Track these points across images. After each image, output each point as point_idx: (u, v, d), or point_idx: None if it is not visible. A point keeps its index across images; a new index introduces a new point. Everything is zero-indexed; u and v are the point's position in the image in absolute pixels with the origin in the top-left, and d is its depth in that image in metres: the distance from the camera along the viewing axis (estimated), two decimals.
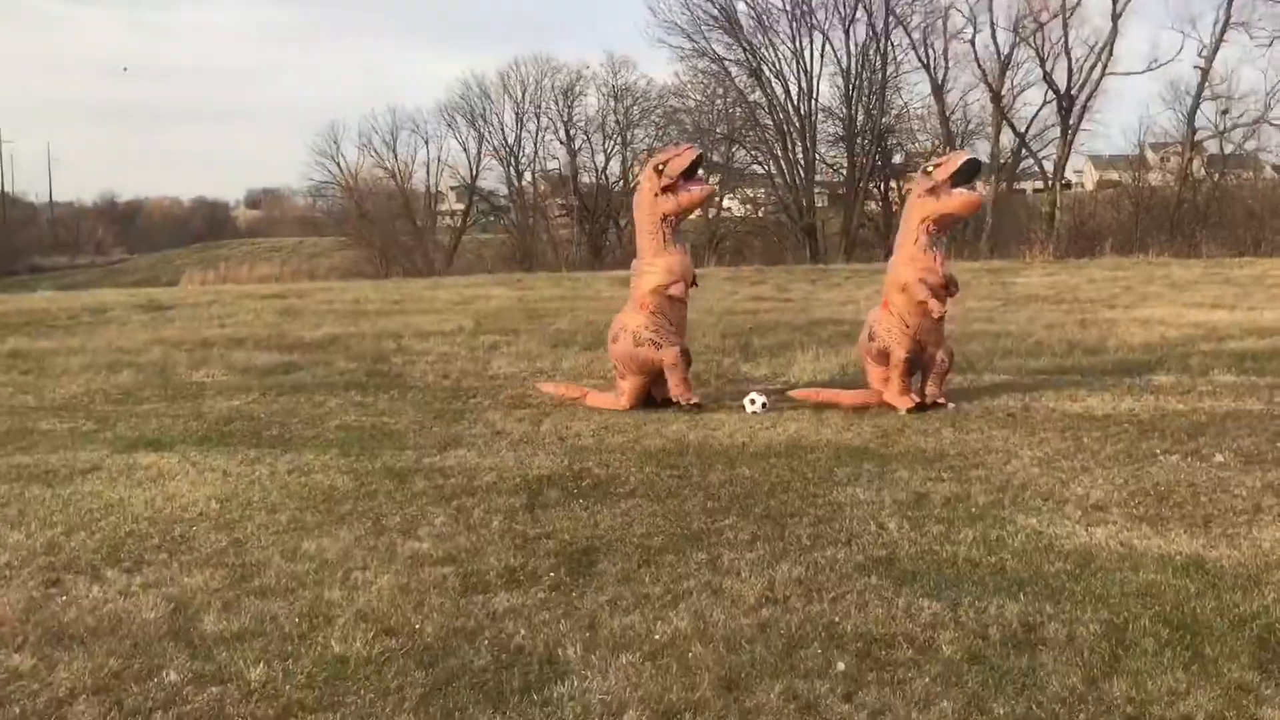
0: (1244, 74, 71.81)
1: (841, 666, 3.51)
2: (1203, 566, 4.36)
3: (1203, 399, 7.88)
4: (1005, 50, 38.83)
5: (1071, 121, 38.51)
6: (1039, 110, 39.37)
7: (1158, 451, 6.33)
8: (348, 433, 7.23)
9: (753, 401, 7.64)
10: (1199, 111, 37.64)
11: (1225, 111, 38.12)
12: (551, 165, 45.00)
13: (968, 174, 7.49)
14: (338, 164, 47.16)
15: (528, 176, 44.81)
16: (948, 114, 39.10)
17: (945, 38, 38.78)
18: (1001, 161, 39.34)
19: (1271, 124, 37.49)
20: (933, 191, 7.39)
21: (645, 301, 7.67)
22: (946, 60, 39.11)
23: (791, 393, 8.19)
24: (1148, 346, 10.23)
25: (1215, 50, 37.45)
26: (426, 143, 47.25)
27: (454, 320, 13.16)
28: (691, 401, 7.67)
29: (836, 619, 3.92)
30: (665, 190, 7.52)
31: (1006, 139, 39.54)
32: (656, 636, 3.80)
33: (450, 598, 4.20)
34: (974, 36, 38.16)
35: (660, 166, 7.57)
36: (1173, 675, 3.37)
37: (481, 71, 62.56)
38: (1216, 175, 37.35)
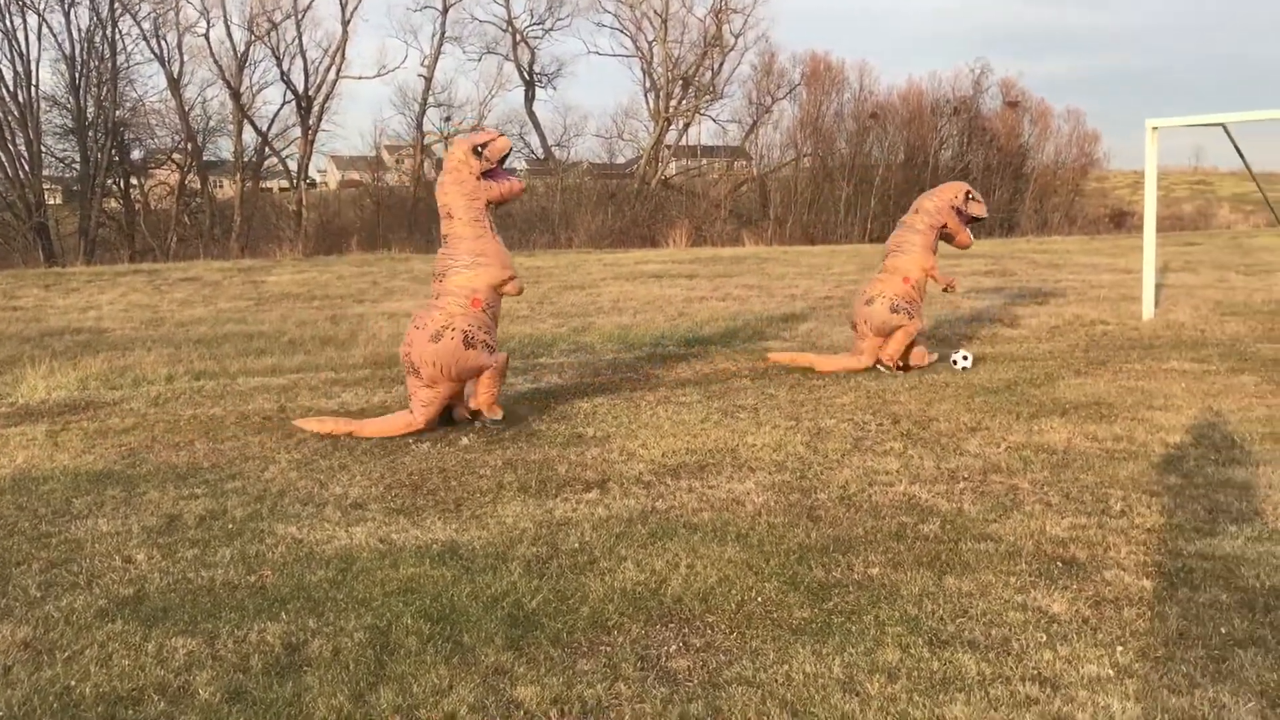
0: (461, 84, 79.25)
1: None
2: (457, 552, 4.51)
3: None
4: (241, 47, 38.37)
5: (311, 121, 39.28)
6: (279, 109, 39.64)
7: (410, 441, 6.53)
8: None
9: (965, 358, 8.75)
10: (426, 117, 40.65)
11: (448, 118, 41.67)
12: None
13: (979, 220, 9.07)
14: None
15: None
16: (187, 109, 37.61)
17: (179, 30, 37.23)
18: (245, 159, 38.84)
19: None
20: (959, 213, 8.91)
21: (478, 298, 6.74)
22: (182, 54, 37.58)
23: (771, 355, 9.36)
24: (395, 338, 10.63)
25: (435, 61, 40.68)
26: None
27: None
28: (498, 416, 6.91)
29: (73, 682, 3.36)
30: (484, 175, 6.83)
31: (249, 137, 39.16)
32: None
33: None
34: (208, 31, 37.23)
35: (480, 149, 6.79)
36: (436, 672, 3.39)
37: None
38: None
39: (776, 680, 3.33)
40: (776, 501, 5.18)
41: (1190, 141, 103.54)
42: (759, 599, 3.97)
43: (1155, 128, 12.04)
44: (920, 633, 3.65)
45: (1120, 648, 3.51)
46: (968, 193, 8.99)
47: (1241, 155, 12.68)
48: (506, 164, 7.10)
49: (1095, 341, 10.25)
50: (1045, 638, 3.60)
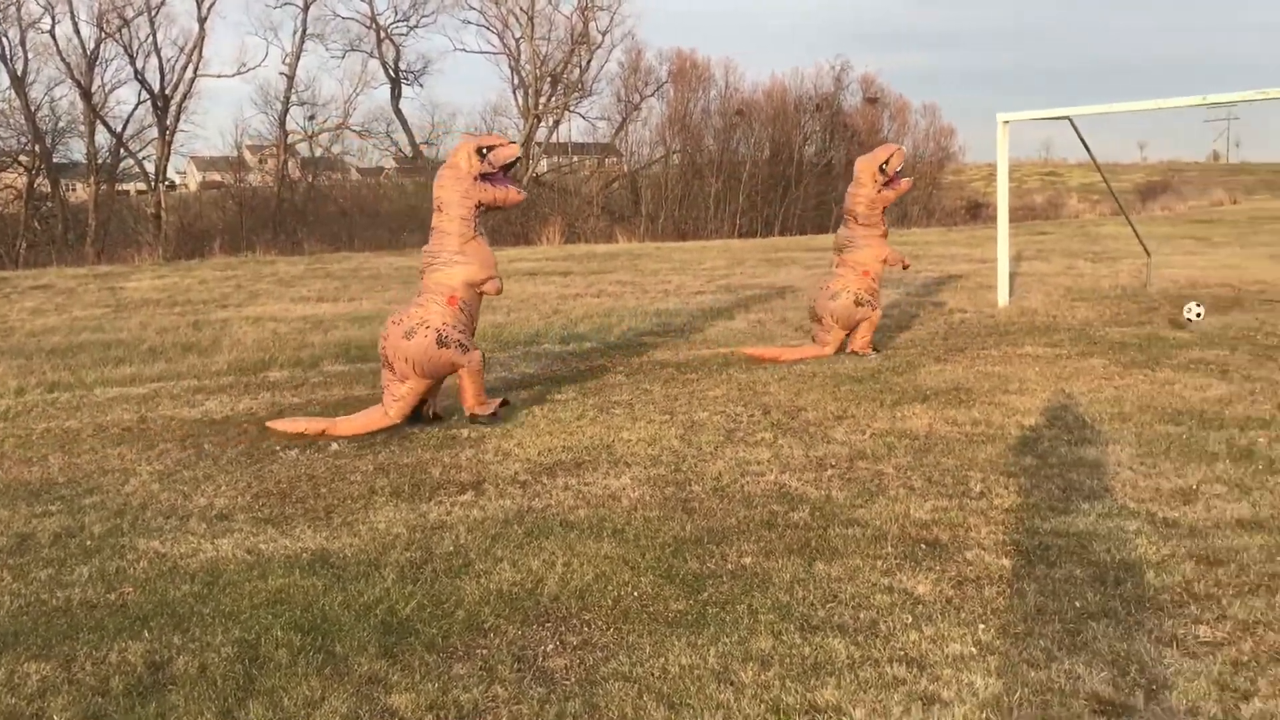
0: (325, 83, 77.61)
1: None
2: (328, 560, 4.42)
3: (316, 390, 8.17)
4: (91, 45, 36.81)
5: (169, 122, 37.93)
6: (134, 109, 38.13)
7: (278, 448, 6.38)
8: None
9: (1197, 313, 9.77)
10: (289, 116, 39.66)
11: (312, 117, 40.72)
12: None
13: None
14: None
15: None
16: (34, 110, 35.90)
17: (21, 26, 35.49)
18: (100, 162, 37.30)
19: (351, 130, 41.00)
20: (888, 183, 9.09)
21: (455, 296, 6.75)
22: (25, 51, 35.85)
23: (745, 350, 9.40)
24: (260, 343, 10.36)
25: (297, 59, 39.72)
26: None
27: None
28: (491, 411, 6.90)
29: None
30: (483, 177, 6.79)
31: (103, 138, 37.60)
32: None
33: None
34: (54, 28, 35.52)
35: (484, 150, 6.77)
36: (308, 684, 3.31)
37: None
38: (311, 176, 39.71)
39: (653, 674, 3.36)
40: (652, 495, 5.22)
41: (1041, 135, 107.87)
42: (635, 594, 3.99)
43: (1006, 121, 12.50)
44: (792, 619, 3.72)
45: (982, 626, 3.65)
46: (882, 165, 9.08)
47: (1087, 147, 13.25)
48: (511, 174, 7.03)
49: (954, 329, 10.59)
50: (911, 619, 3.71)
